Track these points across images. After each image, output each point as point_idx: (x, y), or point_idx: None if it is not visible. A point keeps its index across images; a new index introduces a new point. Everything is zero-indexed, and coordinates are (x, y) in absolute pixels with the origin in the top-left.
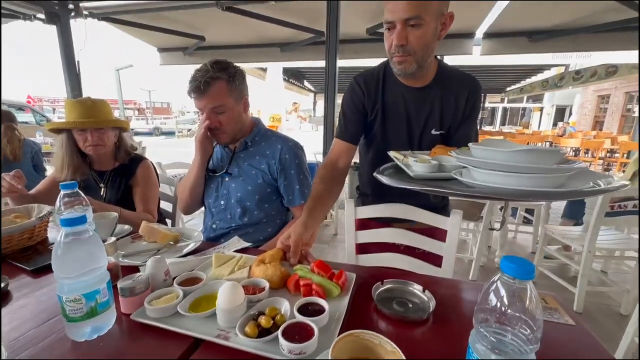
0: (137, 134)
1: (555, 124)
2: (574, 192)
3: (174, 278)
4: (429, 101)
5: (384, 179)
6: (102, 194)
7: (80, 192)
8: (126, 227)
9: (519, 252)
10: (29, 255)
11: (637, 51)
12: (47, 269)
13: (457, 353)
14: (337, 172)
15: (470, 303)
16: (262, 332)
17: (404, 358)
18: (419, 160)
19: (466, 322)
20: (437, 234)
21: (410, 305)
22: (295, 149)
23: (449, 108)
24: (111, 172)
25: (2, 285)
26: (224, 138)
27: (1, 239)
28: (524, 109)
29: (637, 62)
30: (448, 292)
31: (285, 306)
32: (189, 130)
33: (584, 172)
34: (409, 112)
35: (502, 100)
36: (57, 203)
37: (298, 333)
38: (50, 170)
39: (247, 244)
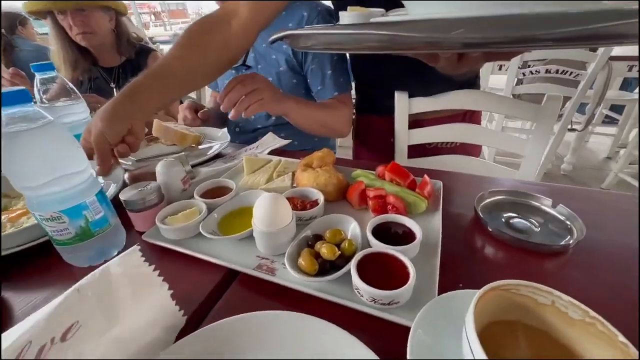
0: (155, 42)
1: None
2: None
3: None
4: None
5: None
6: (115, 95)
7: (63, 78)
8: None
9: (590, 158)
10: None
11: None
12: None
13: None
14: None
15: (625, 228)
16: (324, 266)
17: (626, 343)
18: None
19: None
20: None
21: (537, 228)
22: (327, 17)
23: None
24: (118, 69)
25: None
26: None
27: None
28: None
29: None
30: (590, 208)
31: (352, 227)
32: None
33: None
34: None
35: None
36: (35, 93)
37: (379, 269)
38: None
39: (285, 142)
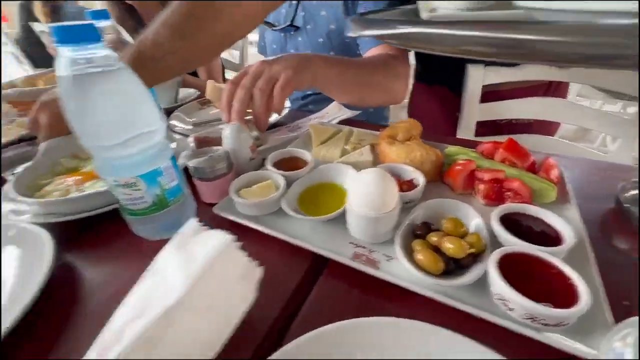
0: None
1: None
2: None
3: (264, 159)
4: None
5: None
6: None
7: (120, 28)
8: (191, 90)
9: None
10: None
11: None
12: None
13: None
14: None
15: None
16: (449, 266)
17: None
18: None
19: None
20: None
21: None
22: None
23: None
24: None
25: None
26: None
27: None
28: None
29: None
30: None
31: (472, 216)
32: None
33: None
34: None
35: None
36: None
37: (526, 276)
38: None
39: (354, 112)
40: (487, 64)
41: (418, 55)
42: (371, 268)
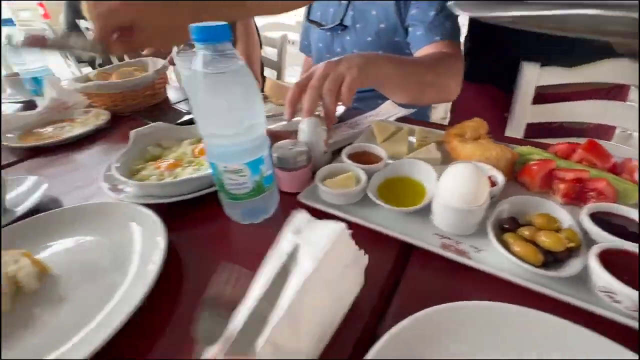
0: None
1: None
2: None
3: (337, 151)
4: None
5: None
6: None
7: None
8: None
9: None
10: (157, 115)
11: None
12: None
13: None
14: None
15: None
16: (547, 258)
17: None
18: None
19: None
20: None
21: None
22: None
23: None
24: None
25: None
26: None
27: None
28: None
29: None
30: None
31: (558, 212)
32: None
33: None
34: None
35: None
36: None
37: (627, 272)
38: None
39: (408, 111)
40: (544, 63)
41: (469, 52)
42: (464, 258)
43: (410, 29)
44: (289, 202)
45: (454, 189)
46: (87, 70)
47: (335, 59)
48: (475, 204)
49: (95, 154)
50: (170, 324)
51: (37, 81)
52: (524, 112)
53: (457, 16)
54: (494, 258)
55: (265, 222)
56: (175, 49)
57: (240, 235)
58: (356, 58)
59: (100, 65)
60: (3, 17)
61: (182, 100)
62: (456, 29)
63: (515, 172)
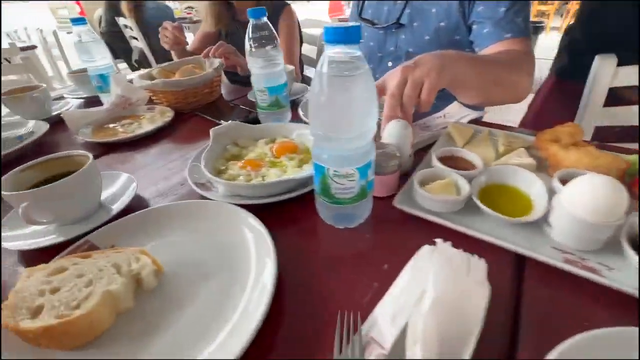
0: None
1: None
2: None
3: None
4: None
5: None
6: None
7: (270, 24)
8: (299, 85)
9: None
10: (214, 113)
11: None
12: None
13: None
14: None
15: None
16: None
17: None
18: None
19: None
20: None
21: None
22: None
23: None
24: None
25: None
26: None
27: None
28: None
29: None
30: None
31: None
32: None
33: None
34: None
35: None
36: (246, 41)
37: None
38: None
39: (479, 114)
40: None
41: (568, 48)
42: (596, 276)
43: (474, 26)
44: (380, 207)
45: (587, 200)
46: (123, 65)
47: (410, 62)
48: (610, 220)
49: (163, 151)
50: (276, 327)
51: (103, 78)
52: (594, 113)
53: (529, 12)
54: (630, 276)
55: (359, 227)
56: (247, 48)
57: (336, 238)
58: (432, 59)
59: (137, 62)
60: (73, 16)
61: (239, 98)
62: (527, 25)
63: (626, 183)
